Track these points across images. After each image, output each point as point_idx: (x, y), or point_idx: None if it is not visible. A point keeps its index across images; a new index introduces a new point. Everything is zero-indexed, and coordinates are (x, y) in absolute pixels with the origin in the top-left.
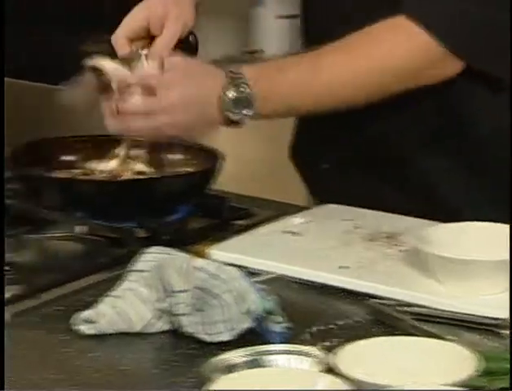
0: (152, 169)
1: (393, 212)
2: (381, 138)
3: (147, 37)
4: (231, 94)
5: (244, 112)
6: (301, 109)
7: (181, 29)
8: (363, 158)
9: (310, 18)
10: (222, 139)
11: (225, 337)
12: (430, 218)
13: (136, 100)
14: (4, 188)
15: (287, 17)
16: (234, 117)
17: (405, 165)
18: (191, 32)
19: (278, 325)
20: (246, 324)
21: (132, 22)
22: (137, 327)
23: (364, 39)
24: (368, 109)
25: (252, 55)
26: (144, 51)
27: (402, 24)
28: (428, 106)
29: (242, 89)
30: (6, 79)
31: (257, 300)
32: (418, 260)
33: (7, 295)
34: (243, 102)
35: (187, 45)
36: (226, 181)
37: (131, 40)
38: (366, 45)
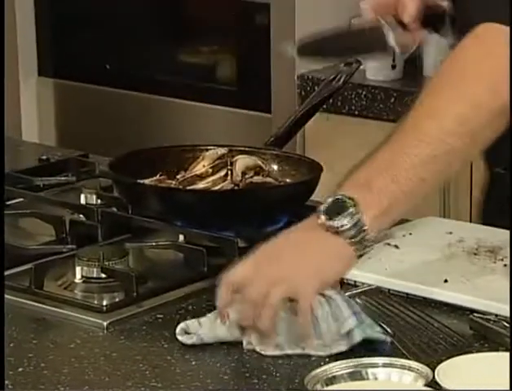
0: (253, 179)
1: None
2: None
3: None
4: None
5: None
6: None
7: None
8: None
9: None
10: (318, 150)
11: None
12: None
13: None
14: (4, 188)
15: None
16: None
17: None
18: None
19: (379, 337)
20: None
21: None
22: (237, 334)
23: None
24: None
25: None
26: (388, 20)
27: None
28: None
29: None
30: (106, 88)
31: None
32: None
33: (107, 301)
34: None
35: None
36: (323, 192)
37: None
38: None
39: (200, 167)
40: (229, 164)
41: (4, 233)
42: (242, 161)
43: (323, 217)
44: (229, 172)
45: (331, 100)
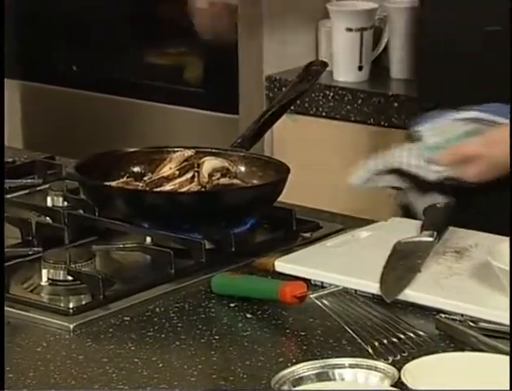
0: (220, 181)
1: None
2: None
3: None
4: None
5: None
6: None
7: None
8: None
9: None
10: (286, 151)
11: None
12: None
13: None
14: (4, 188)
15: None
16: None
17: None
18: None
19: None
20: None
21: None
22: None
23: None
24: None
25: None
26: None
27: None
28: None
29: None
30: (73, 90)
31: None
32: (488, 275)
33: (74, 304)
34: None
35: None
36: (290, 193)
37: None
38: None
39: (167, 169)
40: (196, 166)
41: (4, 233)
42: (209, 163)
43: None
44: (196, 174)
45: (298, 101)
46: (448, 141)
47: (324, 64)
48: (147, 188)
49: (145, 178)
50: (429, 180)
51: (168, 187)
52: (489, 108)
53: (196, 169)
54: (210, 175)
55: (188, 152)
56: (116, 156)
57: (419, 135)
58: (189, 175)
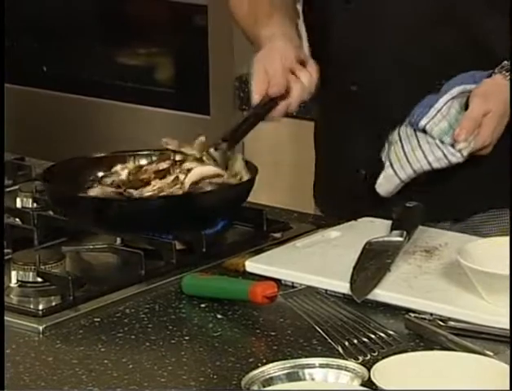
0: (186, 182)
1: None
2: None
3: None
4: None
5: None
6: None
7: None
8: None
9: None
10: (256, 151)
11: None
12: None
13: None
14: (4, 190)
15: None
16: None
17: None
18: None
19: None
20: None
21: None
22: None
23: None
24: None
25: None
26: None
27: None
28: None
29: None
30: (43, 91)
31: None
32: (458, 274)
33: (44, 306)
34: None
35: None
36: (259, 193)
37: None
38: None
39: (144, 174)
40: (180, 170)
41: (4, 232)
42: (199, 170)
43: None
44: (178, 177)
45: None
46: (451, 124)
47: None
48: (125, 192)
49: (122, 179)
50: (453, 164)
51: (147, 192)
52: (464, 79)
53: (178, 174)
54: (196, 182)
55: (164, 166)
56: (89, 160)
57: (421, 128)
58: (170, 179)
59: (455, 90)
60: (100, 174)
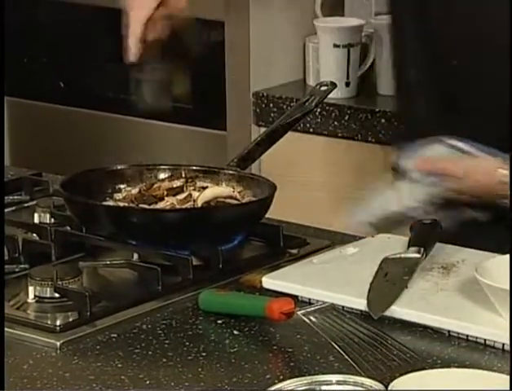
0: (199, 201)
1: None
2: None
3: None
4: None
5: None
6: None
7: None
8: None
9: None
10: (273, 167)
11: None
12: None
13: None
14: (4, 191)
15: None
16: None
17: None
18: None
19: None
20: None
21: None
22: None
23: None
24: None
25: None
26: None
27: None
28: None
29: None
30: (60, 106)
31: None
32: (475, 291)
33: (61, 321)
34: None
35: None
36: (277, 210)
37: None
38: None
39: (157, 190)
40: (193, 189)
41: (4, 232)
42: (211, 191)
43: None
44: (191, 194)
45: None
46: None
47: (333, 84)
48: (138, 206)
49: (135, 194)
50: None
51: (160, 206)
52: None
53: (191, 191)
54: (208, 202)
55: (178, 183)
56: (104, 173)
57: (405, 172)
58: (183, 196)
59: (458, 144)
60: (118, 187)
